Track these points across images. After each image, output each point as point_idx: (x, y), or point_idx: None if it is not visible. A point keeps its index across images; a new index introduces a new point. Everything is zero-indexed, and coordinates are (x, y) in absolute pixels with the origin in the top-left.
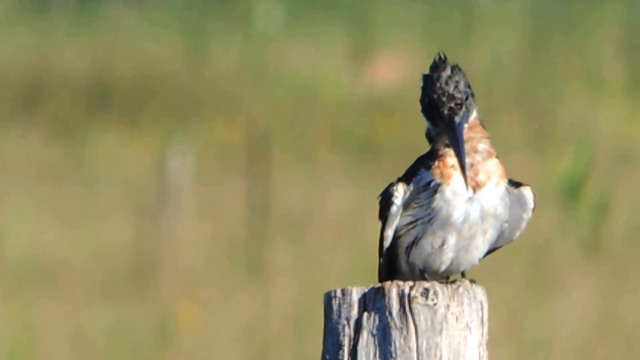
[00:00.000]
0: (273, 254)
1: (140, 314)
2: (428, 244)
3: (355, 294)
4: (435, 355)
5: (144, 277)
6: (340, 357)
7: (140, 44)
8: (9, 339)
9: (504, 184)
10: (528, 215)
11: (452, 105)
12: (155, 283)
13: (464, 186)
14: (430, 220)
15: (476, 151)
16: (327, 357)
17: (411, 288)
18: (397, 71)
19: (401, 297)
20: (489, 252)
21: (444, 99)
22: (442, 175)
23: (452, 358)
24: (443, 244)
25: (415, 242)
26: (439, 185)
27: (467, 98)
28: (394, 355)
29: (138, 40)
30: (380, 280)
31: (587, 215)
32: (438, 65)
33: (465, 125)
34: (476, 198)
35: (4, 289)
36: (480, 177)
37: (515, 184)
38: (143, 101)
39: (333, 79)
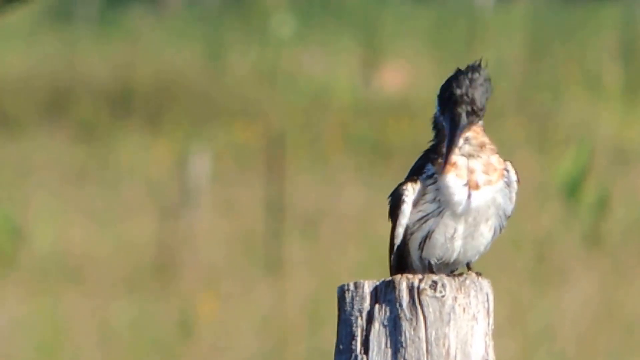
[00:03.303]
0: (289, 250)
1: (162, 307)
2: (441, 234)
3: (367, 287)
4: (444, 344)
5: (166, 273)
6: (353, 347)
7: (160, 51)
8: (37, 333)
9: (504, 178)
10: (514, 187)
11: (469, 109)
12: (176, 278)
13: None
14: (440, 213)
15: (482, 146)
16: (341, 347)
17: (420, 281)
18: (405, 76)
19: (411, 289)
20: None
21: (466, 99)
22: (442, 169)
23: (459, 347)
24: (454, 232)
25: (428, 235)
26: (438, 178)
27: (482, 109)
28: (404, 345)
29: (158, 48)
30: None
31: (587, 211)
32: (475, 68)
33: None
34: (481, 190)
35: (32, 285)
36: (486, 173)
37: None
38: (164, 105)
39: (344, 84)
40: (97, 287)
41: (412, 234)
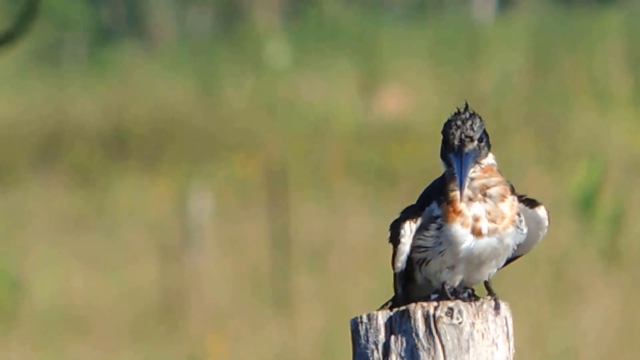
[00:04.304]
0: (297, 284)
1: (170, 353)
2: (437, 264)
3: (381, 318)
4: None
5: (172, 317)
6: None
7: (153, 88)
8: None
9: (515, 223)
10: (544, 232)
11: (463, 137)
12: (183, 321)
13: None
14: (440, 253)
15: (490, 196)
16: None
17: (435, 308)
18: (406, 98)
19: (426, 318)
20: (508, 261)
21: (457, 133)
22: (447, 216)
23: None
24: (453, 268)
25: (425, 261)
26: (443, 224)
27: (481, 139)
28: None
29: (151, 85)
30: (395, 290)
31: (603, 226)
32: (459, 111)
33: (478, 167)
34: (485, 239)
35: (35, 339)
36: (492, 222)
37: (529, 202)
38: (160, 145)
39: (345, 110)
40: (102, 337)
41: (411, 253)
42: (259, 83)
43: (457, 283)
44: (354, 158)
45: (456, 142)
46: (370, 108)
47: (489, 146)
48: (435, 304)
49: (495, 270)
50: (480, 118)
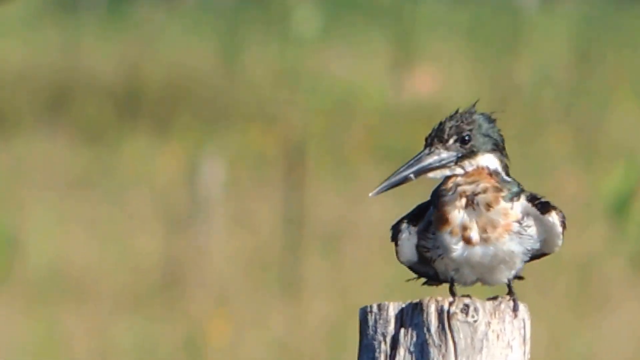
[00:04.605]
0: (307, 267)
1: (169, 329)
2: (442, 266)
3: (392, 310)
4: None
5: (173, 291)
6: None
7: (172, 48)
8: (33, 355)
9: (512, 231)
10: (559, 238)
11: (433, 134)
12: (184, 297)
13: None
14: (439, 256)
15: (477, 203)
16: None
17: (450, 304)
18: (438, 79)
19: (440, 313)
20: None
21: (435, 127)
22: (436, 223)
23: None
24: (458, 270)
25: (432, 260)
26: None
27: (465, 140)
28: None
29: (170, 44)
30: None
31: (636, 232)
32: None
33: (460, 169)
34: (477, 248)
35: (28, 302)
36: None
37: (542, 206)
38: (174, 107)
39: (372, 87)
40: (99, 306)
41: (417, 247)
42: (283, 51)
43: (469, 282)
44: (378, 139)
45: (428, 137)
46: (399, 87)
47: (491, 149)
48: (450, 299)
49: (513, 272)
50: (477, 118)
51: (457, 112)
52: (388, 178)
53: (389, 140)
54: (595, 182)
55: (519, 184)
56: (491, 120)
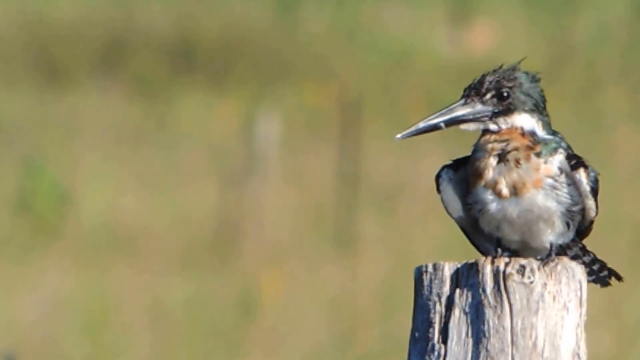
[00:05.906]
0: (362, 225)
1: (221, 285)
2: (485, 222)
3: (448, 270)
4: (531, 336)
5: (227, 247)
6: (430, 335)
7: (228, 1)
8: (84, 310)
9: (542, 187)
10: (587, 197)
11: (472, 86)
12: (238, 253)
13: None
14: (479, 211)
15: (507, 160)
16: (417, 334)
17: (507, 265)
18: (496, 36)
19: (496, 274)
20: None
21: (474, 80)
22: (470, 177)
23: (548, 339)
24: (498, 227)
25: (477, 220)
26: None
27: (502, 97)
28: (487, 334)
29: None
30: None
31: None
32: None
33: (494, 126)
34: (510, 202)
35: (79, 257)
36: (512, 185)
37: (576, 164)
38: (230, 62)
39: (429, 43)
40: (150, 262)
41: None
42: (340, 7)
43: (513, 243)
44: (434, 96)
45: (466, 88)
46: (456, 43)
47: (530, 109)
48: (506, 259)
49: (555, 235)
50: (519, 76)
51: (500, 67)
52: (416, 123)
53: (445, 97)
54: None
55: (561, 142)
56: (534, 80)
